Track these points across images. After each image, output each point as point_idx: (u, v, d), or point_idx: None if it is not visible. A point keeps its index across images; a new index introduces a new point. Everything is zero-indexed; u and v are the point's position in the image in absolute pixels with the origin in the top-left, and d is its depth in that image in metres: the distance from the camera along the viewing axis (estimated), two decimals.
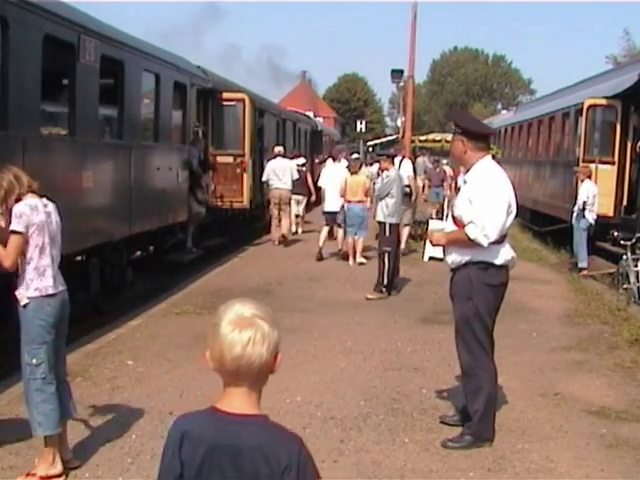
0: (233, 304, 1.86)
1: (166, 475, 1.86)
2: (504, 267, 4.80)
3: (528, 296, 9.91)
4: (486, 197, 4.66)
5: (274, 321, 1.86)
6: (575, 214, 12.34)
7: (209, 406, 1.89)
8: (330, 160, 16.09)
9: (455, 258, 4.80)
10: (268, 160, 15.23)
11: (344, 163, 14.06)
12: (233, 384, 1.85)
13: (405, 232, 13.60)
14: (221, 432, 1.84)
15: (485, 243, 4.62)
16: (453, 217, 4.90)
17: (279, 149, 15.08)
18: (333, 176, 13.25)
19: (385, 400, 5.61)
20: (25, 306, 4.08)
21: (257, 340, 1.80)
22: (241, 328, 1.80)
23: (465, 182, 4.89)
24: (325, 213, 13.46)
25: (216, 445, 1.83)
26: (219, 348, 1.81)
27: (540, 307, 9.37)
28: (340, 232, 13.09)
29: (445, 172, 20.61)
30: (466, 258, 4.73)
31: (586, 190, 12.20)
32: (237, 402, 1.85)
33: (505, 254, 4.79)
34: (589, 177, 12.49)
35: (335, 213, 13.10)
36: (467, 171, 4.89)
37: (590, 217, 12.18)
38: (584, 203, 12.10)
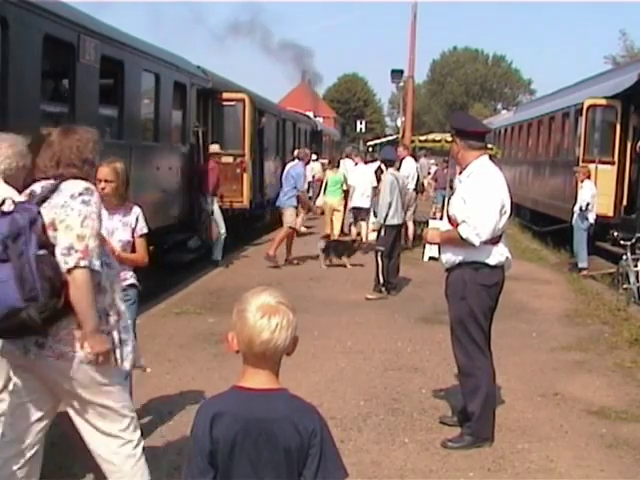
0: (260, 292, 2.04)
1: (198, 454, 2.00)
2: (498, 267, 4.78)
3: (528, 296, 9.91)
4: (479, 196, 4.66)
5: (294, 308, 2.04)
6: (576, 214, 12.34)
7: (231, 386, 2.06)
8: (349, 160, 16.89)
9: (449, 258, 4.81)
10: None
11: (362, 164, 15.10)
12: (257, 365, 2.04)
13: (410, 226, 13.85)
14: (251, 407, 2.00)
15: (477, 242, 4.62)
16: (449, 216, 4.91)
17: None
18: (360, 177, 13.87)
19: (385, 400, 5.61)
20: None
21: (283, 326, 1.98)
22: (270, 315, 1.97)
23: (460, 181, 4.90)
24: (353, 209, 14.10)
25: (248, 419, 1.98)
26: (248, 333, 1.98)
27: (540, 307, 9.37)
28: (363, 226, 13.75)
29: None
30: (459, 258, 4.74)
31: (588, 190, 12.20)
32: (261, 379, 2.02)
33: (499, 255, 4.76)
34: (588, 177, 12.49)
35: (359, 209, 13.70)
36: (462, 170, 4.90)
37: (590, 217, 12.19)
38: (588, 204, 12.09)
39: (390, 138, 37.12)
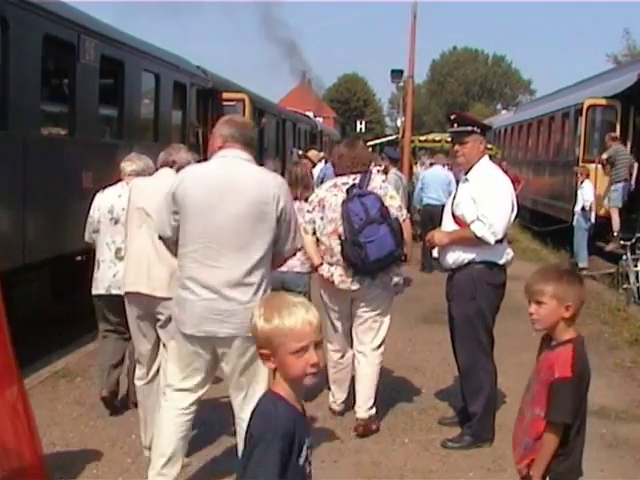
0: None
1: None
2: (505, 266, 4.81)
3: None
4: (493, 195, 4.67)
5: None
6: (577, 214, 12.33)
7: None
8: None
9: (457, 257, 4.76)
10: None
11: None
12: None
13: None
14: None
15: (492, 241, 4.62)
16: (453, 216, 4.88)
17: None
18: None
19: (385, 400, 5.60)
20: None
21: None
22: None
23: (467, 181, 4.88)
24: None
25: None
26: None
27: None
28: None
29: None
30: (470, 257, 4.71)
31: (590, 190, 12.18)
32: None
33: (507, 253, 4.81)
34: (588, 177, 12.49)
35: None
36: (468, 170, 4.88)
37: (591, 217, 12.19)
38: (591, 203, 12.08)
39: (390, 138, 37.08)
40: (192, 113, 12.22)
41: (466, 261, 4.74)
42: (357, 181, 4.89)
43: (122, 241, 4.71)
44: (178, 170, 4.34)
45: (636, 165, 13.06)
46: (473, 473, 4.37)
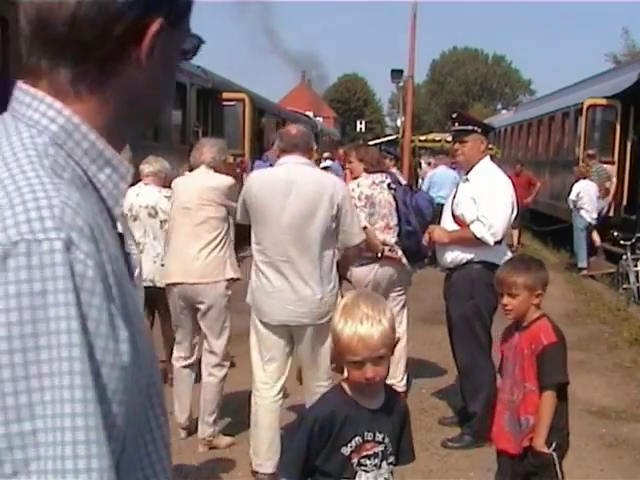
0: None
1: None
2: None
3: None
4: (493, 196, 4.67)
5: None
6: (573, 214, 12.32)
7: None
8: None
9: (456, 257, 4.76)
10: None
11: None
12: None
13: None
14: None
15: (492, 242, 4.62)
16: (453, 216, 4.88)
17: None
18: None
19: None
20: None
21: None
22: None
23: (467, 181, 4.88)
24: None
25: None
26: None
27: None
28: None
29: None
30: (468, 257, 4.71)
31: (575, 190, 12.14)
32: None
33: (505, 254, 4.79)
34: (584, 177, 12.44)
35: None
36: (469, 170, 4.88)
37: (587, 216, 12.14)
38: (574, 203, 12.07)
39: (390, 138, 37.08)
40: (192, 113, 12.22)
41: (464, 261, 4.74)
42: (389, 179, 5.49)
43: (140, 236, 5.21)
44: (211, 167, 4.73)
45: (614, 180, 13.13)
46: (473, 473, 4.37)
